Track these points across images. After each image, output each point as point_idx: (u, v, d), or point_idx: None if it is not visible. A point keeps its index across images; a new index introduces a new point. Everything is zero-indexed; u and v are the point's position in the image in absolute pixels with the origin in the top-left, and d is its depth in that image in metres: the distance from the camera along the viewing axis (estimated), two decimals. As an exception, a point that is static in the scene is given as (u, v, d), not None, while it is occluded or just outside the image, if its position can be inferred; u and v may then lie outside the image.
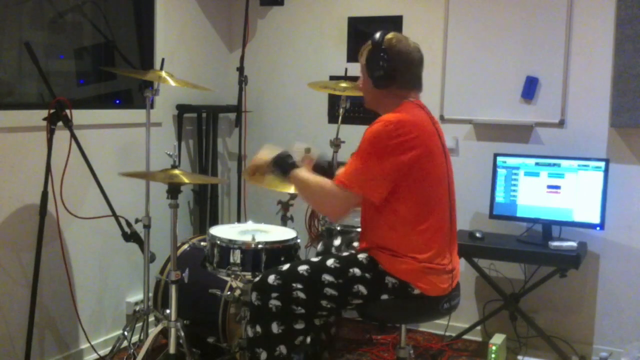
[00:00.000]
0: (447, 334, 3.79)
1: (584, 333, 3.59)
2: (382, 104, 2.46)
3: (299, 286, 2.35)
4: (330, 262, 2.39)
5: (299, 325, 2.37)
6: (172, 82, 3.10)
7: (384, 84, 2.41)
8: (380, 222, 2.36)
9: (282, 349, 2.36)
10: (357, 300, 2.37)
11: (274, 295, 2.36)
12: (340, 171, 2.41)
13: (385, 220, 2.34)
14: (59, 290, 3.19)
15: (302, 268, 2.39)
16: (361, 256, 2.40)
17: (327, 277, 2.35)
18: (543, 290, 3.57)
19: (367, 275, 2.35)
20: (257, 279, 2.47)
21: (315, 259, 2.46)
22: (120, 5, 3.80)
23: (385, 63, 2.37)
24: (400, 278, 2.33)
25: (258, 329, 2.38)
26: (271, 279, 2.39)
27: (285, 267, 2.44)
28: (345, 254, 2.47)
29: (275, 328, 2.35)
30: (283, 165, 2.47)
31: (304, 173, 2.45)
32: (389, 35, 2.42)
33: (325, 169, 2.66)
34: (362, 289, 2.34)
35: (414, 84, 2.46)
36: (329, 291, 2.34)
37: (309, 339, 2.73)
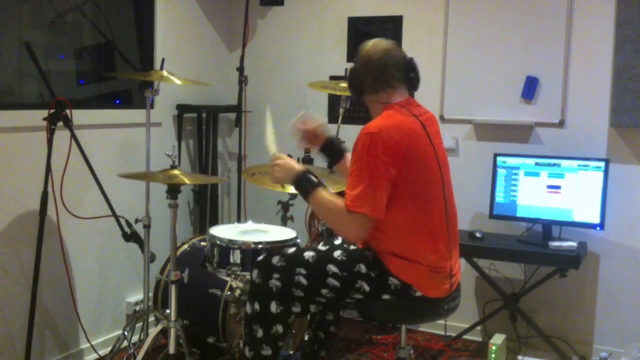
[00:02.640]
0: (447, 334, 3.79)
1: (584, 333, 3.59)
2: (372, 113, 2.50)
3: (303, 271, 2.37)
4: (337, 253, 2.40)
5: (296, 308, 2.39)
6: (177, 81, 3.12)
7: (357, 95, 2.50)
8: (382, 229, 2.35)
9: (279, 327, 2.38)
10: (357, 295, 2.38)
11: (276, 276, 2.37)
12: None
13: (387, 228, 2.33)
14: (59, 290, 3.19)
15: (308, 254, 2.41)
16: (368, 252, 2.41)
17: (332, 268, 2.36)
18: (543, 290, 3.57)
19: (372, 273, 2.35)
20: (261, 257, 2.47)
21: (322, 248, 2.47)
22: (120, 6, 3.80)
23: (354, 76, 2.48)
24: (404, 280, 2.33)
25: (256, 306, 2.40)
26: (275, 259, 2.40)
27: (291, 250, 2.47)
28: (352, 247, 2.47)
29: (274, 307, 2.37)
30: (305, 186, 2.39)
31: (321, 193, 2.35)
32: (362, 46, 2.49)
33: (333, 143, 2.70)
34: (365, 285, 2.35)
35: (384, 87, 2.42)
36: (332, 282, 2.36)
37: (306, 337, 2.74)
